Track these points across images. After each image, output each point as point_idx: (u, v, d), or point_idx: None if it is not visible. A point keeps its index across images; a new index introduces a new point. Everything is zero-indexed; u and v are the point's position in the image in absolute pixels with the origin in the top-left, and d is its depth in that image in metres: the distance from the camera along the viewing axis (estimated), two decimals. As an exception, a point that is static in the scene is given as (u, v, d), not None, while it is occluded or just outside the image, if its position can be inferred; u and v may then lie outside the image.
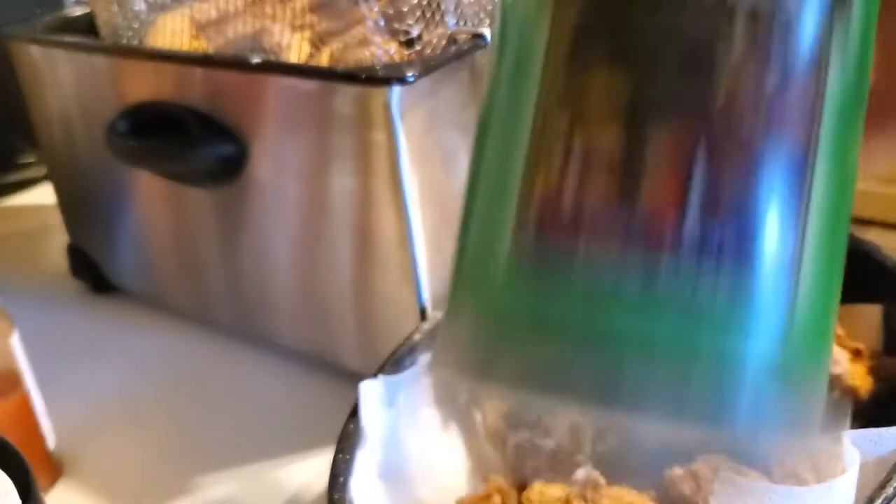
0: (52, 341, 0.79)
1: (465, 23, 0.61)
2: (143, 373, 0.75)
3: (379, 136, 0.57)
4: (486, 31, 0.60)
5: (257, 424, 0.68)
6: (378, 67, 0.57)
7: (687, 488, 0.47)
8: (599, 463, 0.52)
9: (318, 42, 0.65)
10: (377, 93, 0.56)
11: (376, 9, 0.60)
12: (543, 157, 0.24)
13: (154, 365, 0.76)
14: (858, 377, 0.52)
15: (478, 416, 0.56)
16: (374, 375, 0.55)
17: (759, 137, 0.23)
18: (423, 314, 0.62)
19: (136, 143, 0.68)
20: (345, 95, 0.57)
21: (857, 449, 0.43)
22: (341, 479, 0.50)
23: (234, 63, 0.63)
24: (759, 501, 0.41)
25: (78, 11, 0.81)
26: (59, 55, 0.74)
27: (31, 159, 1.04)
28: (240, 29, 0.65)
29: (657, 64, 0.23)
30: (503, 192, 0.24)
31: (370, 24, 0.59)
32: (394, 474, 0.52)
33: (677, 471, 0.48)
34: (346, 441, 0.52)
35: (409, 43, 0.61)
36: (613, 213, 0.23)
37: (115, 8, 0.73)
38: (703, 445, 0.44)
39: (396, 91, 0.55)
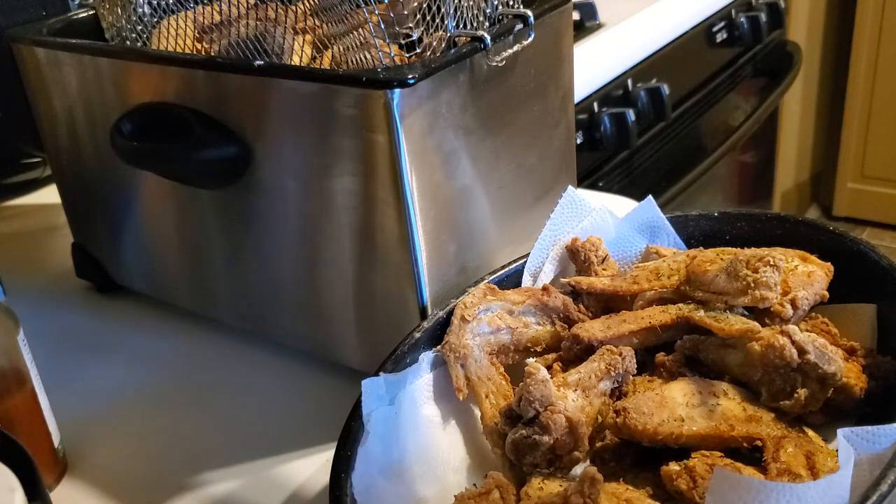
0: (57, 340, 0.80)
1: (465, 26, 0.62)
2: (146, 371, 0.76)
3: (380, 138, 0.58)
4: (486, 35, 0.61)
5: (260, 421, 0.69)
6: (379, 70, 0.58)
7: (683, 484, 0.47)
8: (596, 459, 0.53)
9: (319, 45, 0.66)
10: (378, 95, 0.56)
11: (377, 12, 0.61)
12: None
13: (158, 363, 0.77)
14: (853, 376, 0.53)
15: (477, 413, 0.56)
16: (376, 373, 0.55)
17: None
18: (423, 313, 0.62)
19: (139, 145, 0.68)
20: (346, 98, 0.58)
21: (851, 446, 0.44)
22: (343, 474, 0.50)
23: (237, 66, 0.64)
24: (755, 498, 0.41)
25: (83, 14, 0.82)
26: (64, 57, 0.75)
27: (36, 160, 1.05)
28: (242, 32, 0.66)
29: None
30: None
31: (371, 27, 0.60)
32: (395, 470, 0.53)
33: (674, 467, 0.48)
34: (348, 438, 0.53)
35: (410, 46, 0.61)
36: None
37: (119, 11, 0.73)
38: None
39: (397, 93, 0.56)
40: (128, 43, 0.74)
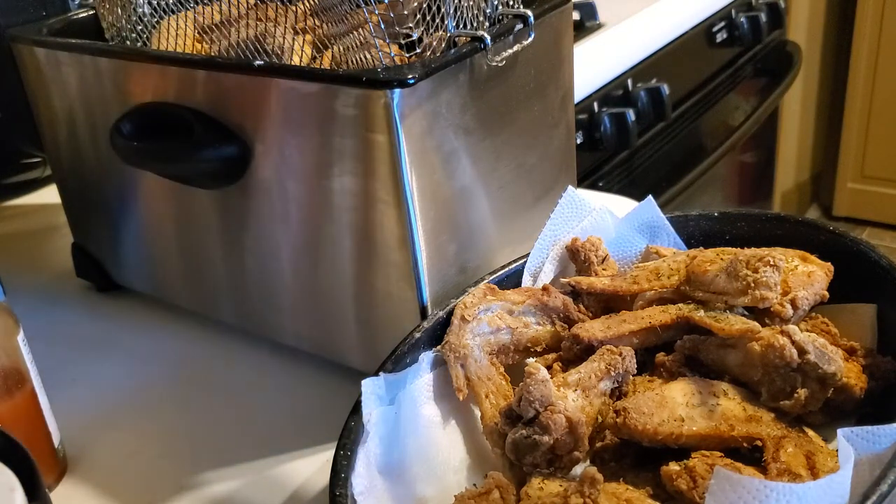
0: (57, 340, 0.80)
1: (465, 26, 0.62)
2: (146, 371, 0.76)
3: (380, 138, 0.58)
4: (486, 35, 0.61)
5: (260, 421, 0.69)
6: (379, 70, 0.58)
7: (683, 484, 0.47)
8: (596, 459, 0.53)
9: (319, 45, 0.66)
10: (378, 95, 0.56)
11: (377, 12, 0.61)
12: None
13: (157, 363, 0.77)
14: (853, 376, 0.53)
15: (477, 413, 0.56)
16: (376, 373, 0.55)
17: None
18: (423, 312, 0.62)
19: (140, 145, 0.69)
20: (346, 98, 0.58)
21: (851, 446, 0.44)
22: (343, 474, 0.50)
23: (237, 66, 0.64)
24: (755, 497, 0.41)
25: (83, 14, 0.82)
26: (65, 57, 0.75)
27: (36, 160, 1.05)
28: (243, 32, 0.66)
29: None
30: None
31: (371, 27, 0.60)
32: (394, 470, 0.53)
33: (674, 467, 0.48)
34: (348, 437, 0.53)
35: (410, 46, 0.61)
36: None
37: (119, 11, 0.74)
38: None
39: (397, 93, 0.56)
40: (128, 43, 0.74)
